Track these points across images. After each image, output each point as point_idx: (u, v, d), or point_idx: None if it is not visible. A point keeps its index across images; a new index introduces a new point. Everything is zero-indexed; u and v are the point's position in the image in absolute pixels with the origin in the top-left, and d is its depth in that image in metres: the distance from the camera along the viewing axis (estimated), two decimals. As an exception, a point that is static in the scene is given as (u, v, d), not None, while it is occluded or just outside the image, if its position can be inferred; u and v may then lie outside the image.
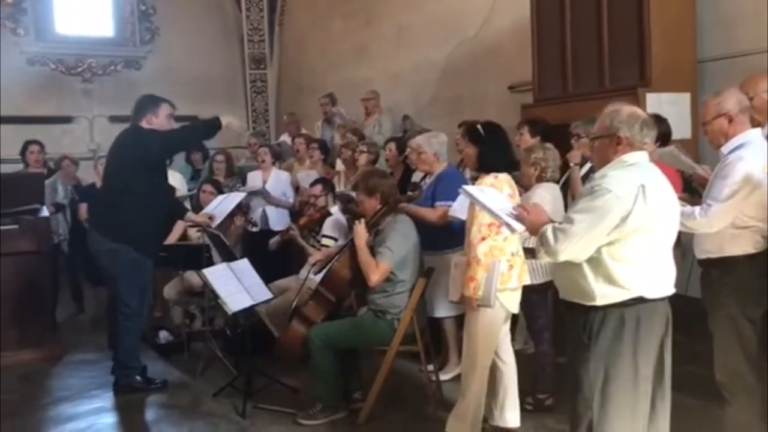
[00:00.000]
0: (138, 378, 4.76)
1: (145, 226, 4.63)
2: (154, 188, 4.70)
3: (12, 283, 5.40)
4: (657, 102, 4.57)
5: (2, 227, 5.31)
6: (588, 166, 4.36)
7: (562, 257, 2.51)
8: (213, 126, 4.75)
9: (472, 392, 3.62)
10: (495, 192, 3.27)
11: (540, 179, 4.08)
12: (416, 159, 4.85)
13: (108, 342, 5.35)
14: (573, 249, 2.48)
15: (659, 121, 3.73)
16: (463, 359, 3.78)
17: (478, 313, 3.57)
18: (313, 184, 5.61)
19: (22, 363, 5.33)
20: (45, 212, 5.91)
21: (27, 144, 7.00)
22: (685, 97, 4.86)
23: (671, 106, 4.61)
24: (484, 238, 3.51)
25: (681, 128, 4.53)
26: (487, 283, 3.49)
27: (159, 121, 4.71)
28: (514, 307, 3.71)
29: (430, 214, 4.49)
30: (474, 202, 3.12)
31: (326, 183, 5.59)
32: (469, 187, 3.12)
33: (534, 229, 2.66)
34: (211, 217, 5.09)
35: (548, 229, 2.53)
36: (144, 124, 4.68)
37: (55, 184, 6.78)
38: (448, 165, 4.79)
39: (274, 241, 5.77)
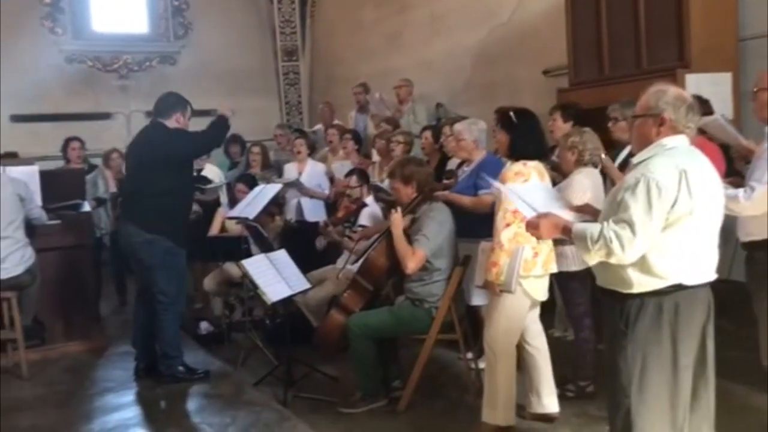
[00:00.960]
0: (181, 368, 4.82)
1: (177, 216, 4.72)
2: (183, 180, 4.80)
3: (57, 277, 5.51)
4: (697, 83, 4.47)
5: (46, 222, 5.42)
6: (627, 149, 4.28)
7: (631, 260, 2.43)
8: (225, 124, 4.90)
9: (498, 378, 3.60)
10: (537, 187, 3.21)
11: (578, 163, 4.03)
12: (455, 146, 4.80)
13: (133, 339, 5.00)
14: (641, 250, 2.40)
15: (701, 103, 3.66)
16: (484, 345, 3.75)
17: (500, 299, 3.56)
18: (347, 175, 5.61)
19: (68, 355, 5.45)
20: (87, 207, 6.02)
21: (68, 141, 7.12)
22: (726, 77, 4.74)
23: (712, 86, 4.51)
24: (508, 224, 3.49)
25: (722, 109, 4.41)
26: (509, 268, 3.48)
27: (185, 121, 4.84)
28: (540, 295, 3.68)
29: (469, 201, 4.45)
30: (517, 205, 3.07)
31: (361, 174, 5.60)
32: (511, 186, 3.08)
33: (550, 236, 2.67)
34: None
35: (612, 238, 2.38)
36: (172, 123, 4.75)
37: (95, 179, 6.91)
38: (486, 153, 4.73)
39: (319, 241, 5.75)
